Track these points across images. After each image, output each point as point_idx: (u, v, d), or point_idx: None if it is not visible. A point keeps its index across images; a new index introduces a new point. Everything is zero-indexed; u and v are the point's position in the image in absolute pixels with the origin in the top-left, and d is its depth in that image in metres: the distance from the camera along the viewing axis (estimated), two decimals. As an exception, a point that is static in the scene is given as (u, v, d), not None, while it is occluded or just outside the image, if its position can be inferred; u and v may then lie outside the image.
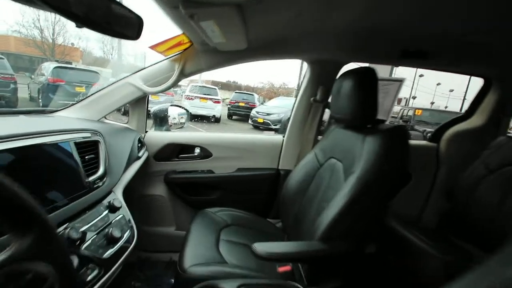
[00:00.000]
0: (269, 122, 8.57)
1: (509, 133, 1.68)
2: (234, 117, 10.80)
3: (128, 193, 1.05)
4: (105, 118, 1.36)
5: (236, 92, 11.89)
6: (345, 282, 0.96)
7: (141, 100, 1.41)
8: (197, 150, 1.59)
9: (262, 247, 0.82)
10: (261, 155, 1.58)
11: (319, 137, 1.56)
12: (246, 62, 1.37)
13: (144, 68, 1.34)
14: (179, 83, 1.66)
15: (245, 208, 1.43)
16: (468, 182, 1.45)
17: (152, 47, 1.19)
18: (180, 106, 1.77)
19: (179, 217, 1.58)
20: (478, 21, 0.96)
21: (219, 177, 1.55)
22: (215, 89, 10.02)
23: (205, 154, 1.56)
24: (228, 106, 10.92)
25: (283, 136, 1.59)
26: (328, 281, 0.95)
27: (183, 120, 1.77)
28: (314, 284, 0.93)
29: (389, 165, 0.88)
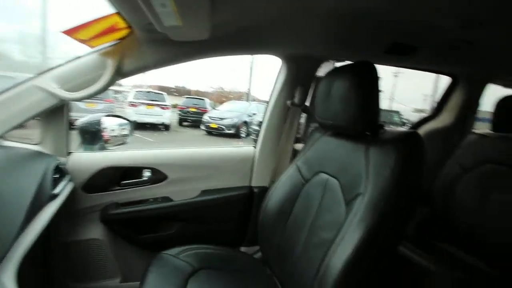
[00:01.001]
0: (223, 127, 8.34)
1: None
2: (185, 123, 10.26)
3: (45, 241, 0.71)
4: (2, 139, 0.92)
5: (186, 97, 11.31)
6: None
7: (58, 110, 1.00)
8: (147, 173, 1.23)
9: None
10: (230, 172, 1.30)
11: (296, 145, 1.36)
12: (207, 57, 1.08)
13: (60, 66, 0.95)
14: (120, 87, 1.26)
15: (214, 240, 1.14)
16: (444, 184, 1.41)
17: (68, 33, 0.81)
18: (119, 116, 1.37)
19: (125, 264, 1.20)
20: (465, 16, 0.87)
21: (178, 205, 1.22)
22: (163, 94, 9.35)
23: (158, 177, 1.21)
24: (178, 112, 10.31)
25: (255, 147, 1.34)
26: None
27: (125, 132, 1.38)
28: None
29: (407, 183, 0.70)
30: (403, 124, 9.69)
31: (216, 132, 8.40)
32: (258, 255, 1.21)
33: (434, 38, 1.09)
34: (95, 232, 1.13)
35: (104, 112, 1.41)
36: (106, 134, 1.22)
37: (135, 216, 1.16)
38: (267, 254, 1.02)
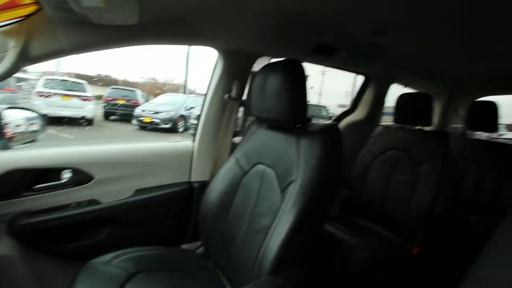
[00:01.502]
0: (158, 121, 7.76)
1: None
2: (112, 117, 9.14)
3: None
4: None
5: (112, 88, 10.04)
6: None
7: None
8: (67, 175, 1.08)
9: None
10: (168, 168, 1.25)
11: (234, 138, 1.38)
12: (136, 45, 1.00)
13: None
14: (25, 74, 1.05)
15: (153, 241, 1.09)
16: (360, 168, 1.66)
17: None
18: (26, 108, 1.16)
19: (45, 280, 1.04)
20: (376, 23, 1.03)
21: (108, 207, 1.11)
22: (82, 84, 8.10)
23: (81, 178, 1.08)
24: (104, 104, 9.11)
25: (193, 142, 1.32)
26: None
27: (34, 128, 1.17)
28: None
29: (331, 168, 0.81)
30: (330, 118, 10.81)
31: (150, 127, 7.78)
32: (201, 250, 1.21)
33: (351, 42, 1.25)
34: (2, 247, 0.95)
35: (5, 104, 1.17)
36: (9, 130, 1.02)
37: (54, 225, 1.01)
38: (210, 248, 1.03)
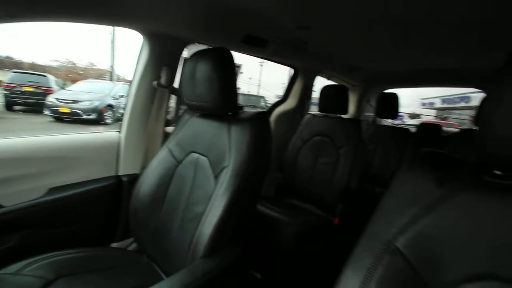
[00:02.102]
0: (79, 111, 6.72)
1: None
2: (17, 107, 7.58)
3: None
4: None
5: (15, 72, 8.24)
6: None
7: None
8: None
9: None
10: (89, 162, 1.13)
11: (167, 128, 1.33)
12: (45, 20, 0.85)
13: None
14: None
15: (76, 242, 0.99)
16: (291, 154, 1.81)
17: None
18: None
19: None
20: (299, 19, 1.12)
21: (13, 211, 0.95)
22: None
23: (-27, 179, 0.89)
24: (5, 92, 7.42)
25: (119, 132, 1.22)
26: None
27: None
28: None
29: (261, 153, 0.86)
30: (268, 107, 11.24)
31: (69, 118, 6.72)
32: (133, 246, 1.15)
33: (280, 35, 1.33)
34: None
35: None
36: None
37: None
38: (143, 243, 0.99)
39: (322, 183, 1.65)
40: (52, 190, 1.03)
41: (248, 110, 1.00)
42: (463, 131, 1.87)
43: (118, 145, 1.20)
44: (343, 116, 1.73)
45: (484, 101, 0.43)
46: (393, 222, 0.50)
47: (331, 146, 1.69)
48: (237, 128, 0.88)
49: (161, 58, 1.19)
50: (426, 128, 2.36)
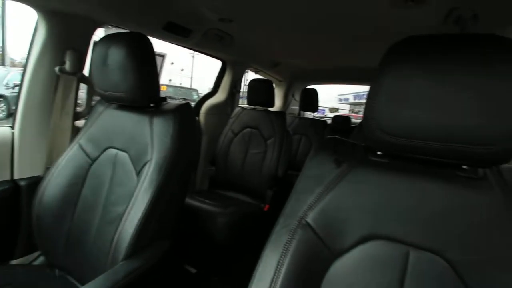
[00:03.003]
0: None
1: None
2: None
3: None
4: None
5: None
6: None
7: None
8: None
9: None
10: None
11: (77, 122, 1.16)
12: None
13: None
14: None
15: None
16: (223, 146, 1.84)
17: None
18: None
19: None
20: (221, 12, 1.13)
21: None
22: None
23: None
24: None
25: (12, 129, 1.00)
26: None
27: None
28: None
29: (186, 146, 0.84)
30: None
31: None
32: (40, 260, 0.99)
33: (203, 26, 1.31)
34: None
35: None
36: None
37: None
38: (53, 254, 0.87)
39: (253, 173, 1.73)
40: None
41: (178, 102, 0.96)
42: (362, 122, 2.24)
43: (11, 143, 0.99)
44: (270, 109, 1.84)
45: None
46: (305, 200, 0.57)
47: (259, 137, 1.78)
48: (159, 121, 0.84)
49: (64, 40, 1.01)
50: (338, 120, 2.74)
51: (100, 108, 0.97)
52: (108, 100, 0.91)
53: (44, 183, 0.88)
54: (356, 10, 1.03)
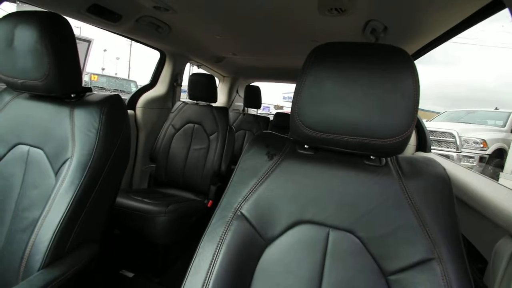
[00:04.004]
0: None
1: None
2: None
3: None
4: None
5: None
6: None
7: None
8: None
9: None
10: None
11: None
12: None
13: None
14: None
15: None
16: (164, 142, 1.75)
17: None
18: None
19: None
20: (160, 0, 1.07)
21: None
22: None
23: None
24: None
25: None
26: None
27: None
28: None
29: (114, 140, 0.78)
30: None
31: None
32: None
33: (135, 12, 1.21)
34: None
35: None
36: None
37: None
38: None
39: (196, 169, 1.69)
40: None
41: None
42: None
43: None
44: (213, 104, 1.82)
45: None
46: (240, 192, 0.59)
47: (202, 133, 1.75)
48: (82, 113, 0.75)
49: None
50: (280, 116, 2.88)
51: (7, 98, 0.82)
52: (16, 88, 0.77)
53: None
54: (287, 13, 1.10)
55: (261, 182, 0.59)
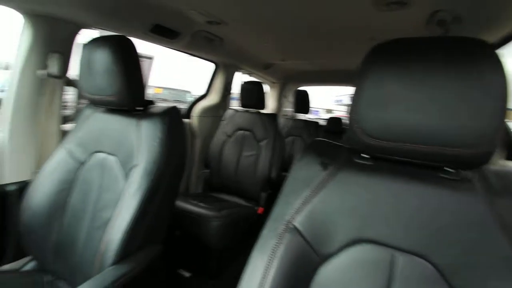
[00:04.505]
0: None
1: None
2: None
3: None
4: None
5: None
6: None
7: None
8: None
9: None
10: None
11: (65, 125, 1.15)
12: None
13: None
14: None
15: None
16: (216, 148, 1.83)
17: None
18: None
19: None
20: (209, 14, 1.13)
21: None
22: None
23: None
24: None
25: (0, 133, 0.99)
26: None
27: None
28: None
29: (174, 149, 0.84)
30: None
31: None
32: (31, 265, 0.97)
33: (191, 28, 1.30)
34: None
35: None
36: None
37: None
38: (44, 259, 0.85)
39: (246, 175, 1.72)
40: None
41: (170, 105, 0.95)
42: None
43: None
44: (261, 111, 1.84)
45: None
46: (292, 203, 0.56)
47: (252, 139, 1.77)
48: (147, 124, 0.83)
49: (48, 43, 1.00)
50: (332, 121, 2.74)
51: (88, 112, 0.95)
52: (95, 103, 0.90)
53: (32, 188, 0.86)
54: (340, 12, 1.04)
55: (315, 193, 0.56)
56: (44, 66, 1.00)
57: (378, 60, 0.48)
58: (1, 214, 0.96)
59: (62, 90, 1.10)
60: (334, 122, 2.73)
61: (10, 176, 1.00)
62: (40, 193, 0.85)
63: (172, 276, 1.42)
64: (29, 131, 1.03)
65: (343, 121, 2.78)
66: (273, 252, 0.52)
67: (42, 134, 1.07)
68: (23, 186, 0.95)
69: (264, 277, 0.50)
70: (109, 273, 0.67)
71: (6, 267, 0.98)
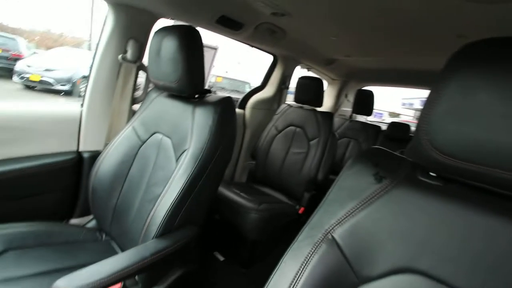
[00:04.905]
0: (51, 80, 6.24)
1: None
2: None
3: None
4: None
5: (-23, 31, 7.46)
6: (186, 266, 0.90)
7: None
8: None
9: (70, 281, 0.56)
10: (48, 135, 1.07)
11: (134, 106, 1.28)
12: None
13: None
14: None
15: (31, 216, 0.97)
16: (265, 142, 1.82)
17: None
18: None
19: None
20: (274, 6, 1.10)
21: None
22: None
23: None
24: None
25: (81, 106, 1.16)
26: (167, 274, 0.84)
27: None
28: (153, 285, 0.80)
29: (223, 138, 0.86)
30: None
31: (41, 87, 6.24)
32: (93, 223, 1.13)
33: (255, 20, 1.30)
34: None
35: None
36: None
37: None
38: (102, 220, 0.98)
39: (292, 173, 1.68)
40: (9, 161, 0.97)
41: (233, 95, 0.98)
42: None
43: (79, 119, 1.14)
44: (317, 108, 1.76)
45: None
46: (334, 213, 0.52)
47: (303, 137, 1.71)
48: (201, 112, 0.86)
49: (127, 30, 1.11)
50: (396, 126, 2.46)
51: (153, 95, 1.04)
52: (159, 88, 0.97)
53: (101, 158, 0.99)
54: (422, 2, 0.89)
55: (362, 207, 0.50)
56: (121, 52, 1.12)
57: (467, 62, 0.38)
58: (76, 177, 1.13)
59: (135, 74, 1.22)
60: (398, 127, 2.45)
61: (85, 145, 1.16)
62: (107, 162, 0.97)
63: (208, 257, 1.50)
64: (104, 109, 1.18)
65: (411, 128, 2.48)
66: (306, 260, 0.48)
67: (115, 112, 1.22)
68: (95, 155, 1.10)
69: (292, 285, 0.47)
70: (150, 245, 0.73)
71: (75, 221, 1.16)
